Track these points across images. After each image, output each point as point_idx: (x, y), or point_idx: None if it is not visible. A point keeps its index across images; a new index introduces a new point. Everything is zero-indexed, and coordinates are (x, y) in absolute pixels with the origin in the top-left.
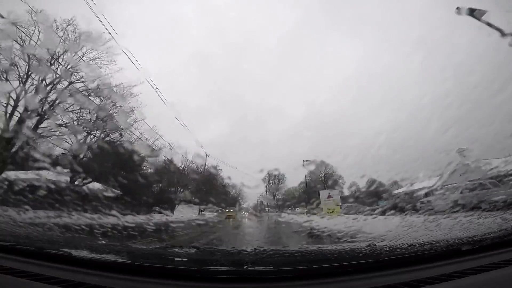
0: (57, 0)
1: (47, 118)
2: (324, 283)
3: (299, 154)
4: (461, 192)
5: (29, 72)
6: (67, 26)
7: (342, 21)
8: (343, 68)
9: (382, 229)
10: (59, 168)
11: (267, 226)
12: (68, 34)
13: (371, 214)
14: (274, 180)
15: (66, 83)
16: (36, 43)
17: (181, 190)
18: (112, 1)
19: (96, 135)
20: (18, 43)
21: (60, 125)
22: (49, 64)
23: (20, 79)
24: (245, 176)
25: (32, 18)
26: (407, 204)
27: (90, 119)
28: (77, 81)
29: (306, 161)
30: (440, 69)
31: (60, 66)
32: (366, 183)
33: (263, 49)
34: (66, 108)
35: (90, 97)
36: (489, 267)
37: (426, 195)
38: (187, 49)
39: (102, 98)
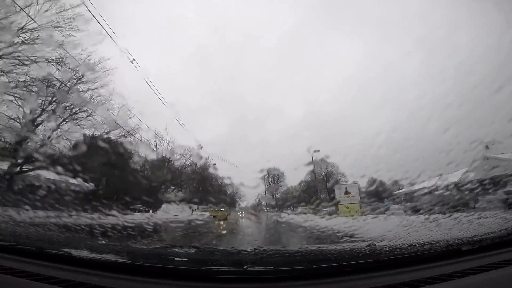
0: None
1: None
2: (324, 283)
3: (299, 154)
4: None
5: None
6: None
7: (342, 21)
8: (343, 68)
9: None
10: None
11: (266, 227)
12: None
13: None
14: (273, 178)
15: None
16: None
17: (168, 186)
18: (112, 1)
19: (52, 108)
20: None
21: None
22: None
23: None
24: (243, 174)
25: None
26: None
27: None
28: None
29: (316, 150)
30: (440, 69)
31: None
32: (366, 182)
33: (263, 49)
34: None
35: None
36: (489, 267)
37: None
38: (187, 49)
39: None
